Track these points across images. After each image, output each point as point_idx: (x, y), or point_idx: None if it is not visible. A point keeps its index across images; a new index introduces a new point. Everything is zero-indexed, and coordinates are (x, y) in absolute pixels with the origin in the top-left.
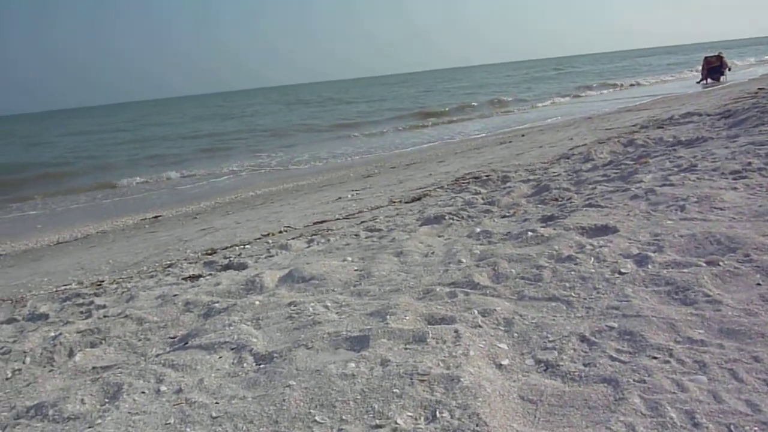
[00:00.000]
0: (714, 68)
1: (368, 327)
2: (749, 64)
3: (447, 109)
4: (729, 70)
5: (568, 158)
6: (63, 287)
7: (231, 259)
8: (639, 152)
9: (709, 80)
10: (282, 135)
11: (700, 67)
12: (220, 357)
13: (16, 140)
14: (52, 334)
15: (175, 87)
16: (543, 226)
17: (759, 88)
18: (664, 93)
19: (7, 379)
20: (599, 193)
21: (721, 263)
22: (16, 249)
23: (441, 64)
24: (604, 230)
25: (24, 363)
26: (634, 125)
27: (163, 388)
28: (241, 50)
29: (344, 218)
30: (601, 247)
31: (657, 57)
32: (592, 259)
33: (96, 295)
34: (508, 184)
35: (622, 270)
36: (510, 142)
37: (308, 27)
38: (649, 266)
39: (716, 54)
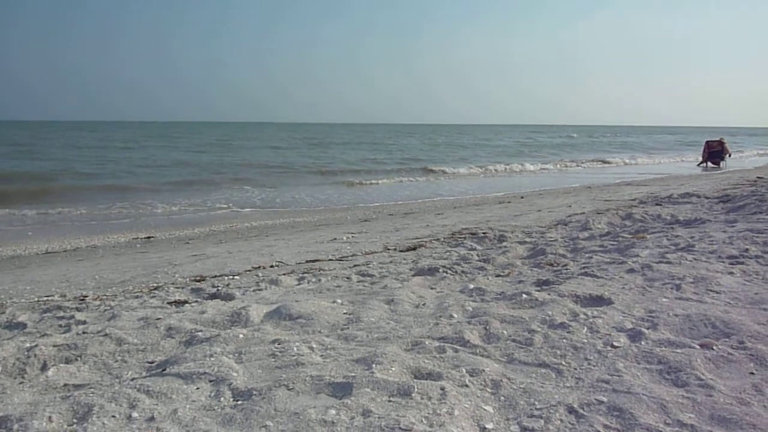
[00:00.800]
0: (715, 152)
1: (352, 374)
2: (755, 154)
3: (447, 165)
4: (729, 155)
5: (565, 224)
6: (45, 298)
7: (219, 288)
8: (637, 227)
9: (709, 164)
10: (282, 173)
11: (701, 150)
12: (198, 388)
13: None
14: (28, 345)
15: (180, 112)
16: (537, 290)
17: (758, 177)
18: (664, 171)
19: None
20: (595, 262)
21: (715, 347)
22: (3, 254)
23: (444, 119)
24: (599, 301)
25: None
26: (633, 199)
27: (134, 414)
28: (246, 82)
29: (337, 260)
30: (594, 317)
31: (659, 135)
32: (585, 328)
33: (78, 309)
34: (505, 243)
35: (615, 343)
36: (509, 202)
37: (310, 68)
38: (643, 342)
39: (718, 139)
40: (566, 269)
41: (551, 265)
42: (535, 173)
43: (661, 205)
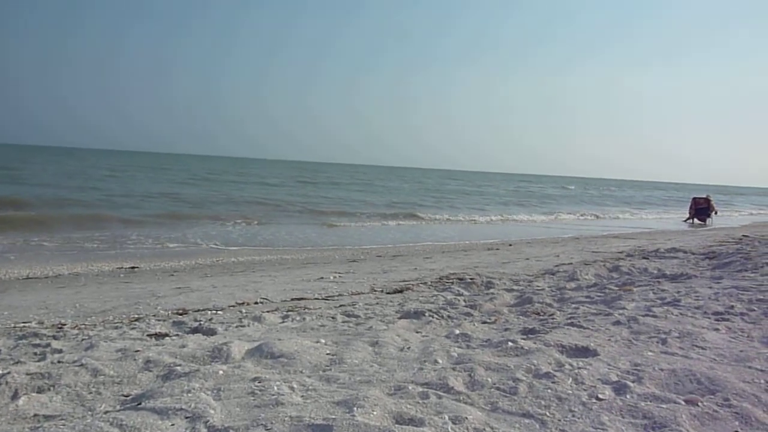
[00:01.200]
0: (701, 209)
1: (333, 416)
2: (744, 213)
3: (436, 210)
4: (716, 213)
5: (553, 274)
6: (22, 324)
7: (201, 322)
8: (624, 279)
9: (695, 220)
10: (271, 210)
11: (688, 206)
12: (173, 424)
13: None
14: (0, 371)
15: (173, 144)
16: (523, 338)
17: (743, 235)
18: (651, 226)
19: None
20: (582, 313)
21: (700, 404)
22: None
23: (435, 164)
24: (584, 352)
25: None
26: (620, 252)
27: None
28: (246, 118)
29: (323, 299)
30: (580, 368)
31: (648, 192)
32: (571, 379)
33: (54, 338)
34: (492, 290)
35: (600, 395)
36: (497, 249)
37: (307, 107)
38: (628, 396)
39: (705, 196)
40: (552, 319)
41: (538, 314)
42: (524, 222)
43: (648, 258)
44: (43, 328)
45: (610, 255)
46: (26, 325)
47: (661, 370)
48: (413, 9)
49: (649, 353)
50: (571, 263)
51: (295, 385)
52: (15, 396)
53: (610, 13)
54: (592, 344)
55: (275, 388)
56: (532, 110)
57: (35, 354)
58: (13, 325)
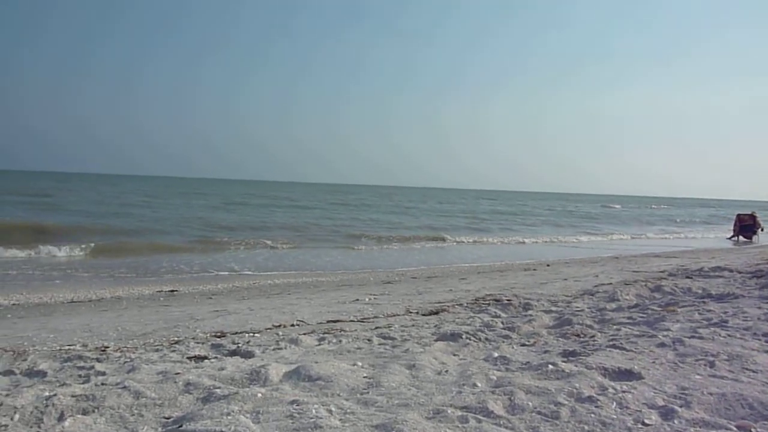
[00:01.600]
0: (746, 226)
1: None
2: None
3: (469, 232)
4: (762, 230)
5: (592, 295)
6: (67, 347)
7: (239, 345)
8: (667, 299)
9: (740, 237)
10: (304, 234)
11: (733, 223)
12: None
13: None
14: (47, 393)
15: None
16: (564, 361)
17: None
18: (694, 245)
19: None
20: (624, 335)
21: (753, 430)
22: (31, 302)
23: (472, 184)
24: (628, 375)
25: (12, 419)
26: (662, 271)
27: None
28: (273, 141)
29: (359, 321)
30: (624, 392)
31: (691, 208)
32: (615, 403)
33: (98, 360)
34: (530, 312)
35: (646, 421)
36: (534, 270)
37: (338, 130)
38: (675, 421)
39: (749, 213)
40: (593, 341)
41: (578, 335)
42: (563, 242)
43: (691, 278)
44: (87, 350)
45: (652, 274)
46: (71, 347)
47: (710, 394)
48: (446, 27)
49: (697, 376)
50: (611, 283)
51: (333, 408)
52: (61, 418)
53: (653, 36)
54: (636, 367)
55: (313, 411)
56: (573, 128)
57: (80, 376)
58: (58, 347)
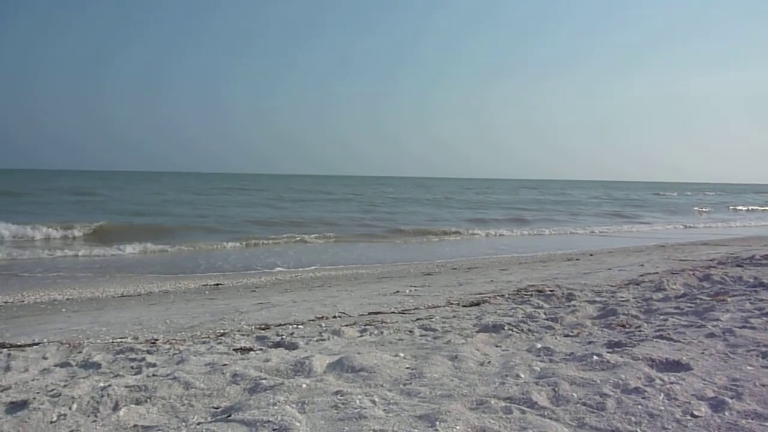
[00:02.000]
0: None
1: (415, 430)
2: None
3: (510, 224)
4: None
5: (638, 284)
6: (119, 340)
7: (283, 337)
8: (716, 289)
9: None
10: (350, 227)
11: None
12: None
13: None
14: (102, 384)
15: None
16: (609, 352)
17: None
18: (744, 233)
19: (51, 422)
20: (671, 325)
21: None
22: (83, 296)
23: (511, 173)
24: (676, 366)
25: (70, 409)
26: (710, 260)
27: None
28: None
29: (399, 313)
30: (672, 383)
31: (748, 195)
32: (662, 395)
33: (149, 352)
34: (573, 302)
35: (696, 412)
36: (577, 260)
37: (377, 123)
38: (726, 413)
39: None
40: (639, 331)
41: (623, 326)
42: (606, 232)
43: (742, 266)
44: (137, 343)
45: (700, 263)
46: (123, 340)
47: (763, 385)
48: (496, 15)
49: (749, 367)
50: (657, 273)
51: (376, 399)
52: (116, 407)
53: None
54: (684, 358)
55: (357, 401)
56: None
57: (132, 368)
58: (111, 340)
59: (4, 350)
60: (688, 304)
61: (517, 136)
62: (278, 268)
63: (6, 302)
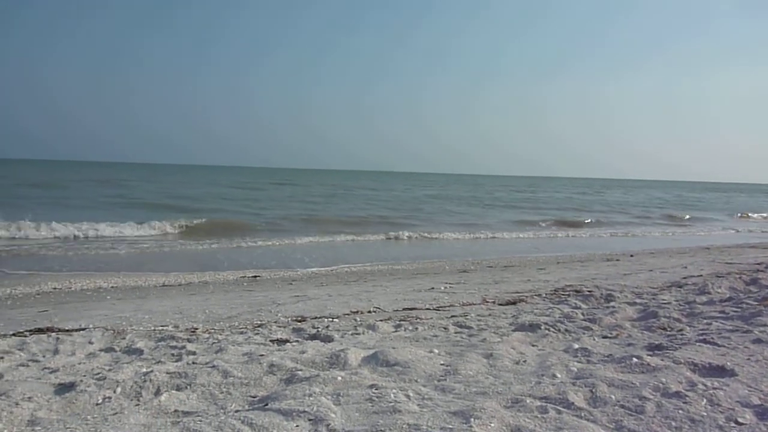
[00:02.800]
0: None
1: (450, 426)
2: None
3: (551, 223)
4: None
5: (680, 287)
6: (161, 327)
7: (319, 329)
8: (764, 293)
9: None
10: (388, 224)
11: None
12: (297, 425)
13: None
14: (144, 370)
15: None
16: (649, 355)
17: None
18: None
19: (97, 404)
20: (715, 329)
21: None
22: (127, 285)
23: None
24: (720, 371)
25: (114, 392)
26: (758, 263)
27: None
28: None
29: (434, 309)
30: (715, 389)
31: None
32: (705, 400)
33: (189, 340)
34: (612, 303)
35: (740, 419)
36: (617, 260)
37: (417, 116)
38: None
39: None
40: (682, 334)
41: (664, 329)
42: (648, 233)
43: None
44: (178, 331)
45: (747, 266)
46: (164, 328)
47: None
48: (542, 15)
49: None
50: (701, 275)
51: (411, 394)
52: (158, 392)
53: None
54: (728, 363)
55: (392, 395)
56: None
57: (173, 355)
58: (153, 328)
59: (53, 334)
60: (734, 309)
61: (575, 133)
62: (314, 261)
63: (55, 288)
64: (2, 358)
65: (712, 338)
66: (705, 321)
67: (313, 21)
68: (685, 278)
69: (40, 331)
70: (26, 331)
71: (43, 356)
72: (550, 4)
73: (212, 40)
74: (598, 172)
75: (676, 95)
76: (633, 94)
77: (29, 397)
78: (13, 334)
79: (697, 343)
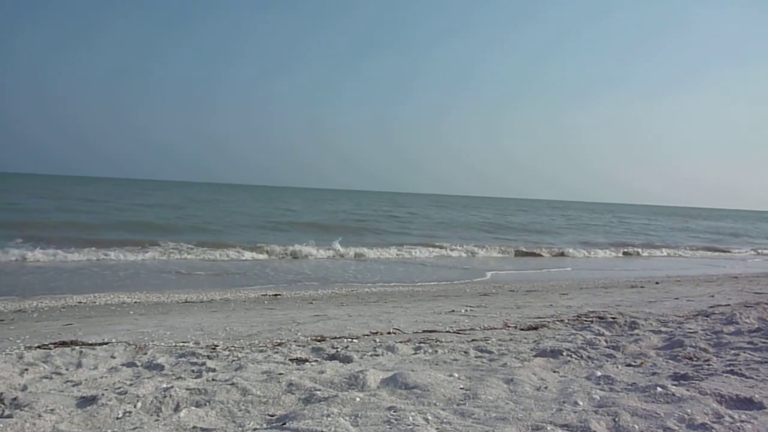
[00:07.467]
0: None
1: None
2: None
3: (574, 247)
4: None
5: (707, 316)
6: (182, 344)
7: (338, 350)
8: None
9: None
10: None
11: None
12: None
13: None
14: (164, 385)
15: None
16: (674, 384)
17: None
18: None
19: (117, 418)
20: (743, 360)
21: None
22: (150, 301)
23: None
24: (748, 403)
25: (135, 407)
26: None
27: None
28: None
29: (455, 332)
30: (743, 421)
31: None
32: None
33: (209, 357)
34: (636, 331)
35: None
36: (642, 287)
37: (441, 140)
38: None
39: None
40: (708, 365)
41: (690, 358)
42: (670, 257)
43: None
44: (199, 348)
45: None
46: (185, 344)
47: None
48: (567, 41)
49: None
50: (729, 305)
51: (429, 417)
52: (177, 408)
53: None
54: (757, 395)
55: (410, 418)
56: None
57: (193, 371)
58: (174, 343)
59: (77, 348)
60: (763, 340)
61: (614, 158)
62: (335, 281)
63: (80, 302)
64: (27, 370)
65: (740, 369)
66: (732, 351)
67: (333, 43)
68: (712, 307)
69: (64, 344)
70: (51, 343)
71: (67, 369)
72: (579, 30)
73: (231, 54)
74: (652, 200)
75: (732, 116)
76: (679, 116)
77: (52, 410)
78: (38, 347)
79: (724, 374)
